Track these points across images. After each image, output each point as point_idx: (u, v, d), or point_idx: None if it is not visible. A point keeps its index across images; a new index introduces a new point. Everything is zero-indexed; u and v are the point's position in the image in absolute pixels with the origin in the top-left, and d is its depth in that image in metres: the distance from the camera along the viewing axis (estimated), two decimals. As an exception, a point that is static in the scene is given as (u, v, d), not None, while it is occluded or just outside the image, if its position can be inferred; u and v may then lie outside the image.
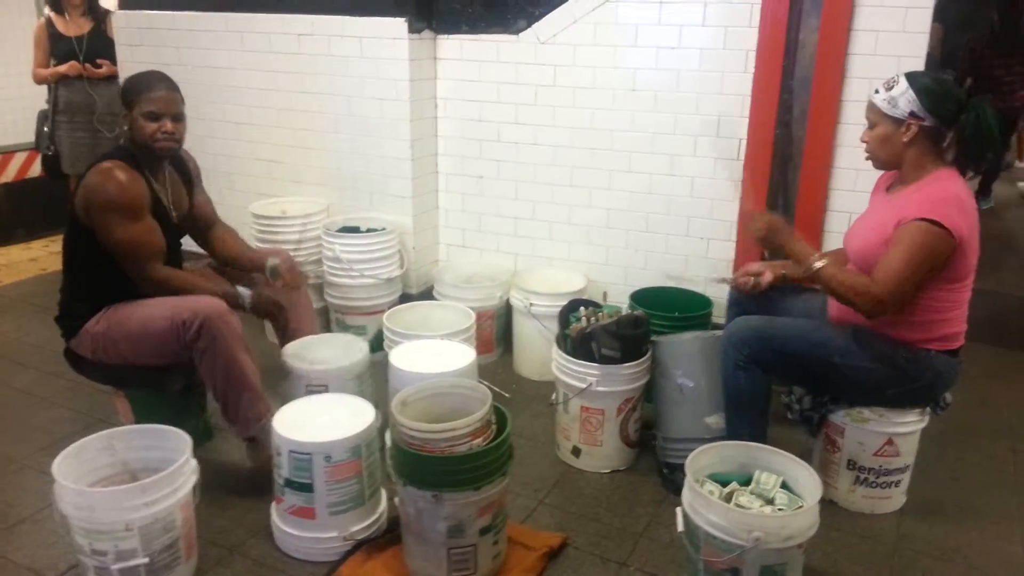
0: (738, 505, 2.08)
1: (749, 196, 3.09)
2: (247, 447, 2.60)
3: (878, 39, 2.86)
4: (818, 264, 2.30)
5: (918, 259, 2.17)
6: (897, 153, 2.29)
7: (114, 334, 2.51)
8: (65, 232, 2.62)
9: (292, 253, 3.15)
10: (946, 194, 2.20)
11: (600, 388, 2.64)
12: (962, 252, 2.21)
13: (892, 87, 2.25)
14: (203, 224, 2.88)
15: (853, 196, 3.01)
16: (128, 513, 1.98)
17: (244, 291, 2.72)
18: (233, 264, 2.91)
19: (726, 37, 3.09)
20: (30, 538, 2.36)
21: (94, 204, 2.43)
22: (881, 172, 2.51)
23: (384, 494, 2.43)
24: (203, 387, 2.78)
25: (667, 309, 3.09)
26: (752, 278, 2.63)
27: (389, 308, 3.26)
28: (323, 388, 2.65)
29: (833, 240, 3.08)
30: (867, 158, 2.39)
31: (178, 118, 2.56)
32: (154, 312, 2.48)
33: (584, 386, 2.65)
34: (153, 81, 2.54)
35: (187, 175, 2.80)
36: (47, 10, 4.34)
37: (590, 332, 2.66)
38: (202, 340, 2.42)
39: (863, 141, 2.37)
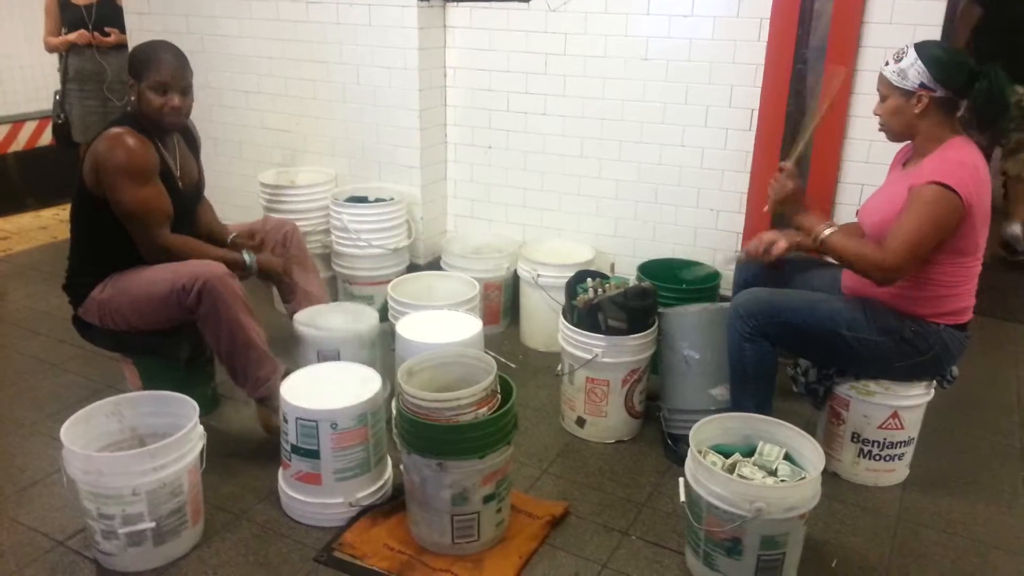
0: (741, 476, 2.09)
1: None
2: (258, 408, 2.62)
3: (894, 7, 2.80)
4: (826, 232, 2.28)
5: (928, 222, 2.15)
6: (910, 124, 2.27)
7: (118, 301, 2.53)
8: (73, 200, 2.63)
9: (299, 222, 3.15)
10: (960, 158, 2.18)
11: (606, 359, 2.64)
12: (971, 222, 2.19)
13: (901, 59, 2.22)
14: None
15: (866, 168, 2.98)
16: (135, 478, 2.01)
17: (249, 256, 2.73)
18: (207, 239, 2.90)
19: (740, 5, 3.04)
20: (39, 502, 2.40)
21: (104, 169, 2.44)
22: (898, 148, 2.48)
23: (389, 461, 2.45)
24: (211, 354, 2.80)
25: (674, 281, 3.08)
26: (765, 244, 2.60)
27: (397, 278, 3.26)
28: (335, 354, 2.67)
29: (845, 212, 3.05)
30: (880, 129, 2.36)
31: (185, 91, 2.55)
32: (155, 277, 2.49)
33: (590, 357, 2.65)
34: (161, 53, 2.52)
35: (194, 145, 2.80)
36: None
37: (597, 303, 2.65)
38: (203, 304, 2.44)
39: (876, 114, 2.34)
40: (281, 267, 2.85)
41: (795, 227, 2.43)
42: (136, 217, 2.49)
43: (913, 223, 2.16)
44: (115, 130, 2.47)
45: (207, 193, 2.94)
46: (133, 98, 2.54)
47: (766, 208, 2.48)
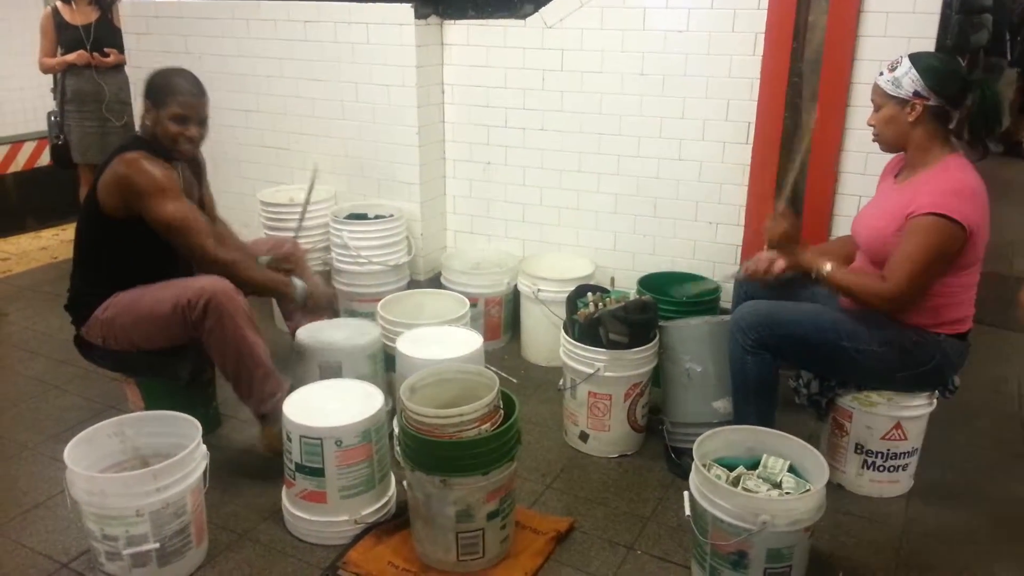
0: (745, 489, 2.08)
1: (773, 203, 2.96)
2: (262, 428, 2.60)
3: (888, 20, 2.83)
4: (827, 269, 2.30)
5: (930, 255, 2.18)
6: (903, 134, 2.28)
7: (122, 320, 2.52)
8: (79, 221, 2.62)
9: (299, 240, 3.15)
10: (957, 185, 2.20)
11: (608, 373, 2.64)
12: (972, 241, 2.21)
13: (896, 68, 2.24)
14: None
15: (863, 179, 3.00)
16: (139, 499, 2.00)
17: (299, 283, 2.70)
18: None
19: (735, 20, 3.06)
20: (43, 524, 2.39)
21: (134, 192, 2.42)
22: (889, 158, 2.50)
23: (393, 478, 2.44)
24: (212, 374, 2.79)
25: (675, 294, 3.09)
26: (765, 263, 2.60)
27: (386, 298, 3.24)
28: (337, 366, 2.66)
29: (843, 223, 3.06)
30: (874, 140, 2.39)
31: (203, 122, 2.57)
32: (159, 295, 2.49)
33: (592, 371, 2.65)
34: (183, 82, 2.53)
35: (198, 170, 2.81)
36: (54, -1, 4.35)
37: (598, 317, 2.65)
38: (209, 319, 2.43)
39: (869, 124, 2.36)
40: (331, 297, 2.81)
41: (793, 267, 2.44)
42: (182, 230, 2.46)
43: (914, 256, 2.18)
44: (130, 155, 2.45)
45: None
46: (148, 123, 2.53)
47: (765, 249, 2.53)
